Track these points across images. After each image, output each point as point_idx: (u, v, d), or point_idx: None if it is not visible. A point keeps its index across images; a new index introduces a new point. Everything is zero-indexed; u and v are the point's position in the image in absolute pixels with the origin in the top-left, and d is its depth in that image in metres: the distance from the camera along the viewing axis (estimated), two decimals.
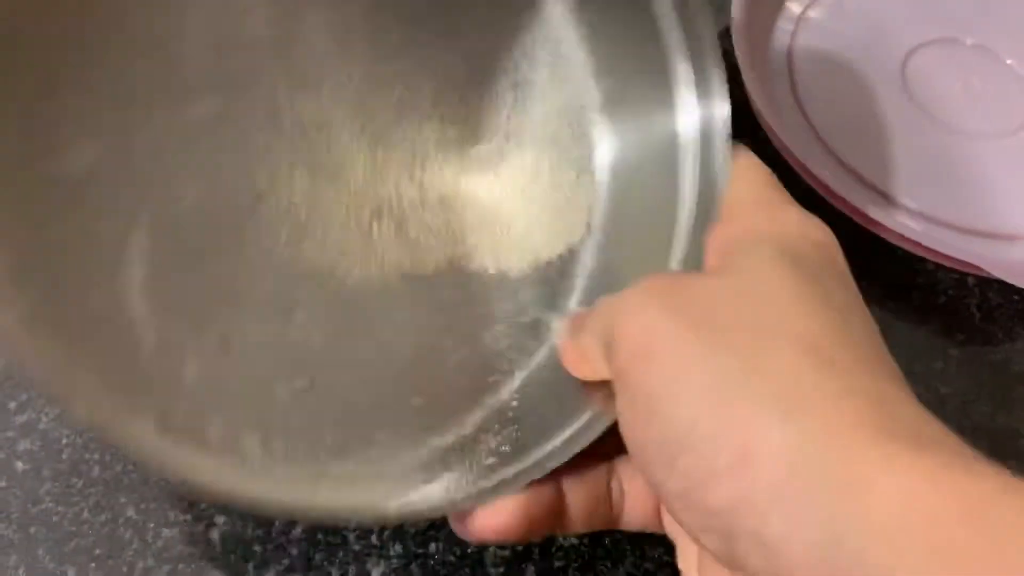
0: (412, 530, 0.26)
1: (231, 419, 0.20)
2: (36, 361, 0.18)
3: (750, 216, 0.19)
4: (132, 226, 0.20)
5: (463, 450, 0.21)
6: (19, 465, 0.26)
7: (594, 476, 0.20)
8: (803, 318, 0.16)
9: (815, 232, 0.18)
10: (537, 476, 0.19)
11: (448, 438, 0.21)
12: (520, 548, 0.25)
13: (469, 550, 0.25)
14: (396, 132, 0.24)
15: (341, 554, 0.25)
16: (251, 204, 0.22)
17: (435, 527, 0.26)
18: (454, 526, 0.19)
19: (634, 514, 0.20)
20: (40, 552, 0.25)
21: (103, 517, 0.25)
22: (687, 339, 0.16)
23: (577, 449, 0.19)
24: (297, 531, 0.25)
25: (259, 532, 0.25)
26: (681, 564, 0.19)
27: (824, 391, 0.15)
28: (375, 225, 0.23)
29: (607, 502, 0.20)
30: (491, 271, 0.24)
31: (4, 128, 0.19)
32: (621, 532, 0.26)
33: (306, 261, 0.22)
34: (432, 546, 0.25)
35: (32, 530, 0.25)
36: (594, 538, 0.26)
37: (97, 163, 0.20)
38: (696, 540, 0.16)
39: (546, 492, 0.19)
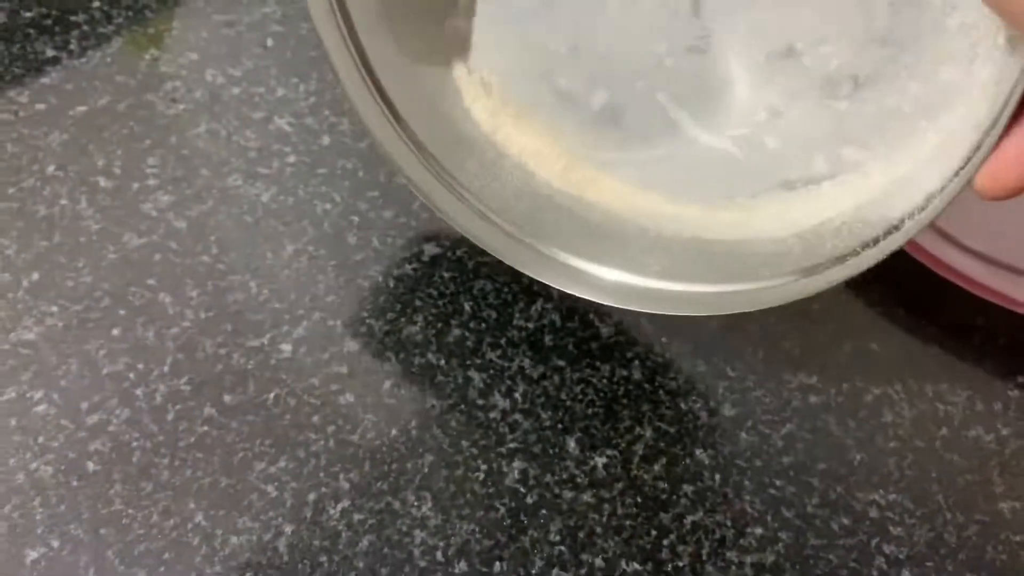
0: (477, 548, 0.26)
1: None
2: None
3: None
4: None
5: None
6: (90, 466, 0.26)
7: None
8: None
9: None
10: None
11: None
12: (583, 573, 0.26)
13: (533, 571, 0.26)
14: None
15: (407, 569, 0.25)
16: None
17: (499, 546, 0.26)
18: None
19: None
20: (110, 554, 0.25)
21: (172, 522, 0.26)
22: None
23: None
24: (364, 544, 0.26)
25: (325, 543, 0.26)
26: None
27: None
28: None
29: None
30: None
31: None
32: (683, 561, 0.26)
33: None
34: (497, 566, 0.26)
35: (102, 532, 0.25)
36: (656, 566, 0.26)
37: None
38: None
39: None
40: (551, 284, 0.27)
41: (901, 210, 0.22)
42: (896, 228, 0.22)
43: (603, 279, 0.27)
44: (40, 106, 0.33)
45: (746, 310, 0.24)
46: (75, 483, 0.26)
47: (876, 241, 0.22)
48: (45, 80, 0.33)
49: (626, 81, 0.27)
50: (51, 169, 0.31)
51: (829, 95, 0.25)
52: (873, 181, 0.24)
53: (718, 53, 0.25)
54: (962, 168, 0.20)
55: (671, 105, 0.26)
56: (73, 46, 0.34)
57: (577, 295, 0.27)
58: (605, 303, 0.26)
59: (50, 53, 0.34)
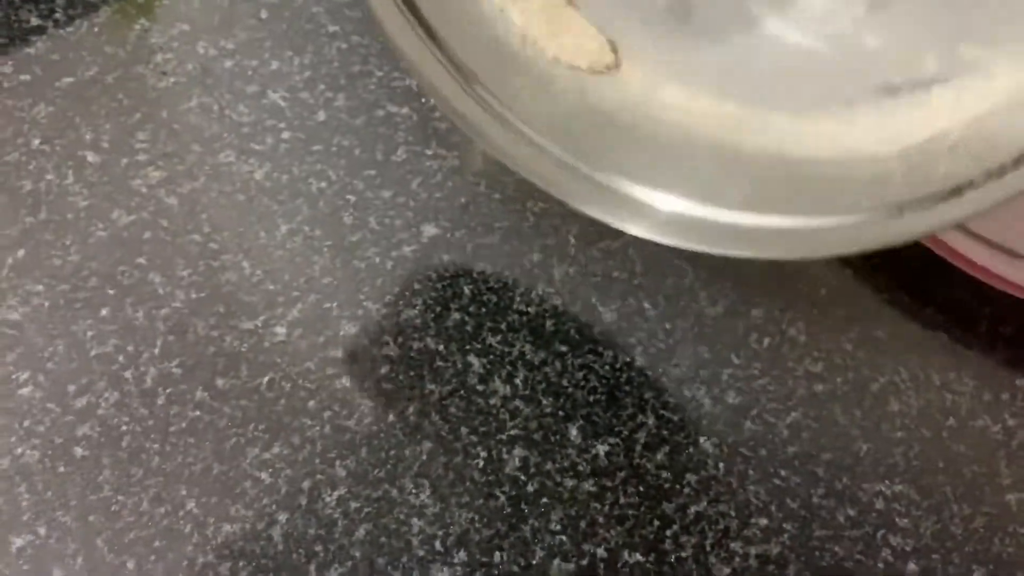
0: (476, 538, 0.25)
1: None
2: None
3: None
4: None
5: None
6: (77, 451, 0.26)
7: None
8: None
9: None
10: None
11: None
12: (585, 563, 0.25)
13: (533, 561, 0.25)
14: None
15: (405, 559, 0.25)
16: None
17: (499, 536, 0.25)
18: None
19: None
20: (99, 542, 0.24)
21: (163, 509, 0.25)
22: None
23: None
24: (360, 532, 0.25)
25: (321, 532, 0.25)
26: None
27: None
28: None
29: None
30: None
31: None
32: (686, 552, 0.25)
33: None
34: (497, 555, 0.25)
35: (91, 519, 0.25)
36: (659, 556, 0.25)
37: None
38: None
39: None
40: (610, 221, 0.23)
41: None
42: None
43: (675, 213, 0.22)
44: (24, 77, 0.32)
45: (842, 252, 0.21)
46: (62, 469, 0.25)
47: (1003, 171, 0.18)
48: (30, 50, 0.32)
49: None
50: (36, 142, 0.30)
51: None
52: (997, 84, 0.20)
53: None
54: None
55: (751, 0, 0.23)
56: (59, 15, 0.33)
57: (642, 236, 0.23)
58: (678, 244, 0.22)
59: (35, 22, 0.33)
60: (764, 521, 0.26)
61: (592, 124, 0.24)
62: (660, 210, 0.22)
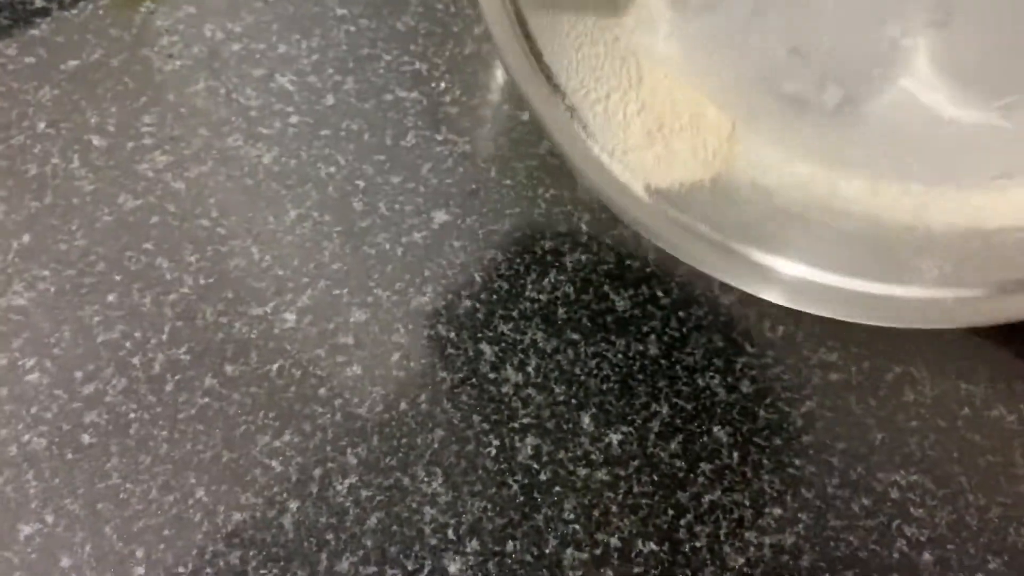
0: (489, 526, 0.25)
1: None
2: None
3: None
4: None
5: None
6: (85, 438, 0.25)
7: None
8: None
9: None
10: None
11: None
12: (598, 552, 0.25)
13: (546, 551, 0.25)
14: None
15: (417, 547, 0.25)
16: None
17: (512, 524, 0.25)
18: None
19: None
20: (107, 530, 0.24)
21: (172, 497, 0.25)
22: None
23: None
24: (372, 521, 0.25)
25: (332, 521, 0.25)
26: None
27: None
28: None
29: None
30: None
31: None
32: (700, 541, 0.25)
33: None
34: (510, 544, 0.25)
35: (99, 507, 0.24)
36: (673, 545, 0.25)
37: None
38: None
39: None
40: (796, 305, 0.24)
41: None
42: None
43: (867, 294, 0.23)
44: (30, 59, 0.31)
45: None
46: (70, 456, 0.25)
47: None
48: (35, 32, 0.32)
49: (861, 72, 0.24)
50: (42, 126, 0.30)
51: None
52: None
53: (964, 22, 0.22)
54: None
55: (918, 88, 0.23)
56: None
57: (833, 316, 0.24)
58: (881, 323, 0.24)
59: (39, 4, 0.32)
60: (778, 511, 0.26)
61: (780, 224, 0.25)
62: (850, 291, 0.23)
